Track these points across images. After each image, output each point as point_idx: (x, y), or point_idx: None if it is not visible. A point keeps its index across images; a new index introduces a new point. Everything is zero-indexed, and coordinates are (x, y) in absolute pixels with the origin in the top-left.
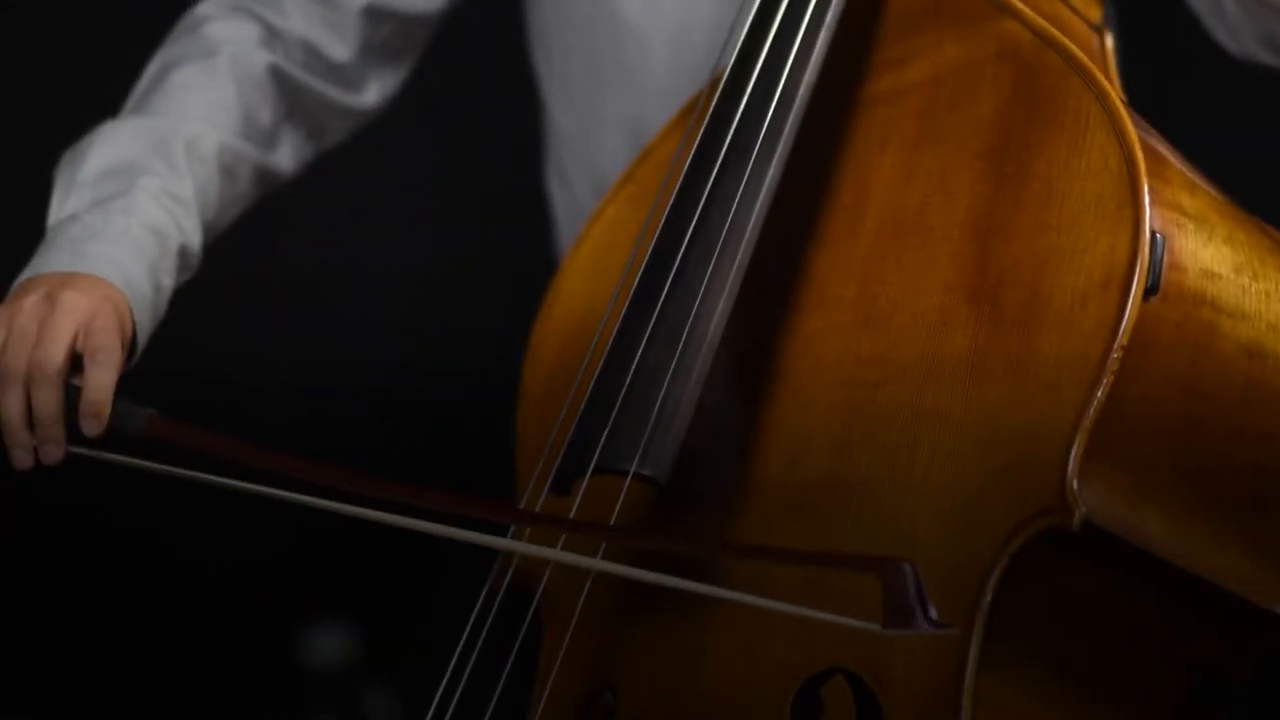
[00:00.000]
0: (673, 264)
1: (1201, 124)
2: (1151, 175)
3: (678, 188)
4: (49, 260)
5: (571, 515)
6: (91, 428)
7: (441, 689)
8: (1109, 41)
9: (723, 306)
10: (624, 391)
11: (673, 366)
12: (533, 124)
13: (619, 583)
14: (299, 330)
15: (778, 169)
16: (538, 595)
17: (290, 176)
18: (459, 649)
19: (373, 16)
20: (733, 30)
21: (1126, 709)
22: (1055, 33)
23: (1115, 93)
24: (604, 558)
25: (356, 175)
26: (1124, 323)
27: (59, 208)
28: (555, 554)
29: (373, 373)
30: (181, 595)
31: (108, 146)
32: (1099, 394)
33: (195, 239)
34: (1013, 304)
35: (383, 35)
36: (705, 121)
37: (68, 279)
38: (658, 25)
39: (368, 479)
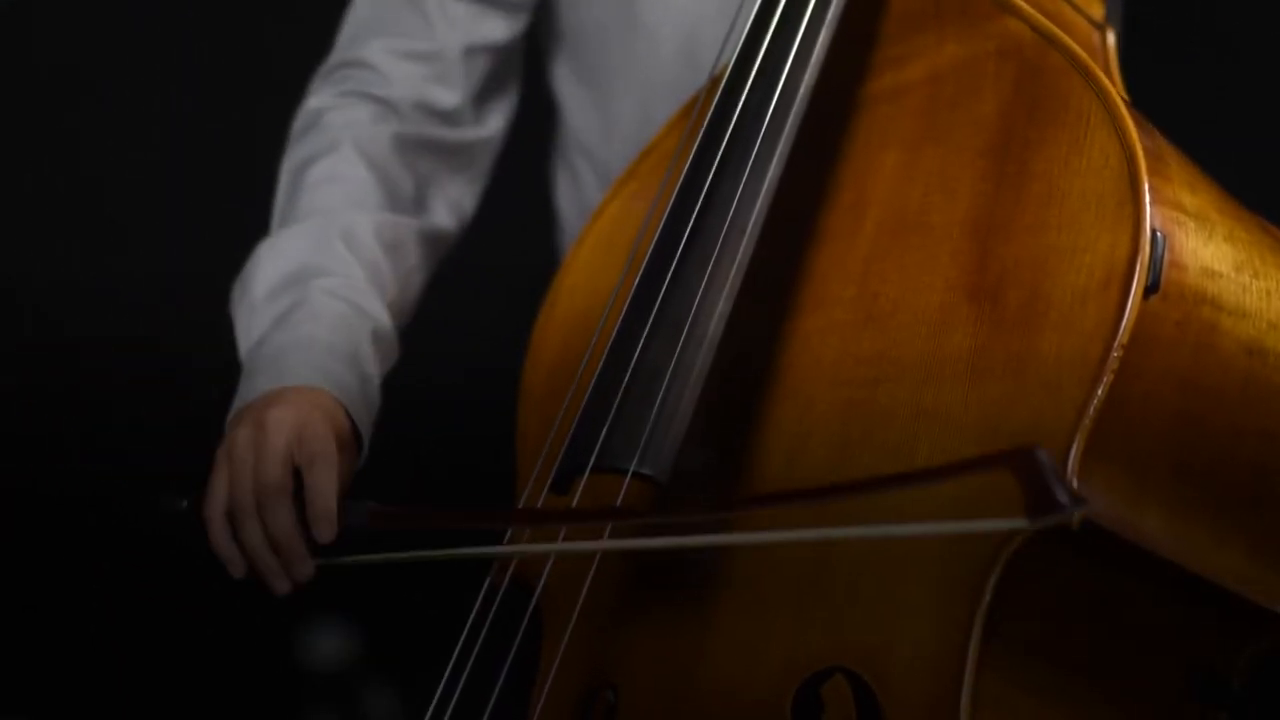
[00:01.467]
0: (672, 262)
1: (1203, 122)
2: (1152, 173)
3: (678, 186)
4: (251, 387)
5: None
6: (324, 533)
7: (441, 686)
8: (1110, 39)
9: (722, 305)
10: (623, 390)
11: (672, 365)
12: (536, 121)
13: (619, 579)
14: None
15: (778, 167)
16: (538, 592)
17: (457, 230)
18: (459, 646)
19: (473, 55)
20: (733, 28)
21: (1126, 708)
22: (1057, 31)
23: (1116, 91)
24: (604, 557)
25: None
26: (1124, 321)
27: (246, 336)
28: (557, 546)
29: None
30: (181, 595)
31: (271, 264)
32: (1099, 393)
33: (384, 319)
34: (1013, 303)
35: (486, 69)
36: (706, 120)
37: (271, 399)
38: (670, 23)
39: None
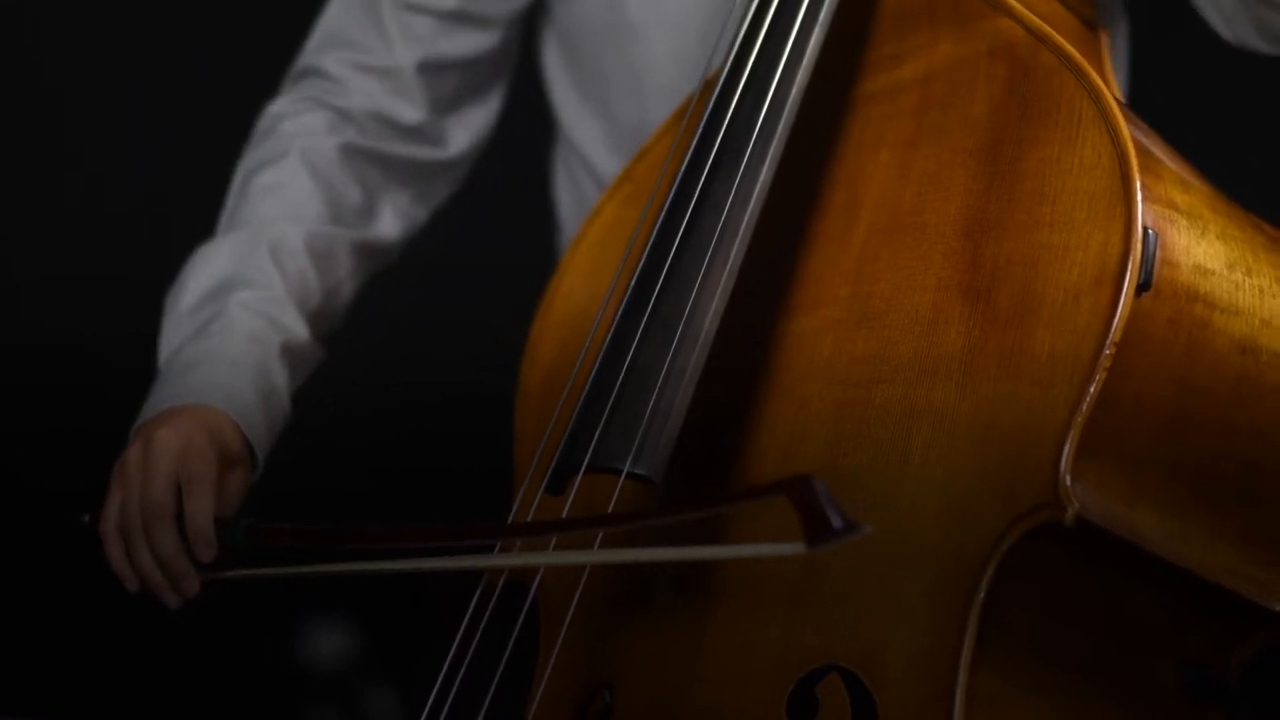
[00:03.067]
0: (666, 263)
1: (1199, 120)
2: (1144, 171)
3: (672, 187)
4: (156, 399)
5: (564, 514)
6: (203, 554)
7: (437, 686)
8: (1103, 38)
9: (716, 305)
10: (618, 390)
11: (666, 365)
12: (536, 122)
13: (615, 579)
14: None
15: (771, 168)
16: (533, 592)
17: (401, 241)
18: (454, 646)
19: (430, 71)
20: (726, 29)
21: (1121, 705)
22: (1049, 30)
23: (1108, 89)
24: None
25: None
26: (1117, 319)
27: (166, 344)
28: (546, 558)
29: (371, 370)
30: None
31: (199, 273)
32: (1092, 390)
33: (299, 331)
34: (1006, 301)
35: (448, 87)
36: (699, 121)
37: (164, 418)
38: (659, 25)
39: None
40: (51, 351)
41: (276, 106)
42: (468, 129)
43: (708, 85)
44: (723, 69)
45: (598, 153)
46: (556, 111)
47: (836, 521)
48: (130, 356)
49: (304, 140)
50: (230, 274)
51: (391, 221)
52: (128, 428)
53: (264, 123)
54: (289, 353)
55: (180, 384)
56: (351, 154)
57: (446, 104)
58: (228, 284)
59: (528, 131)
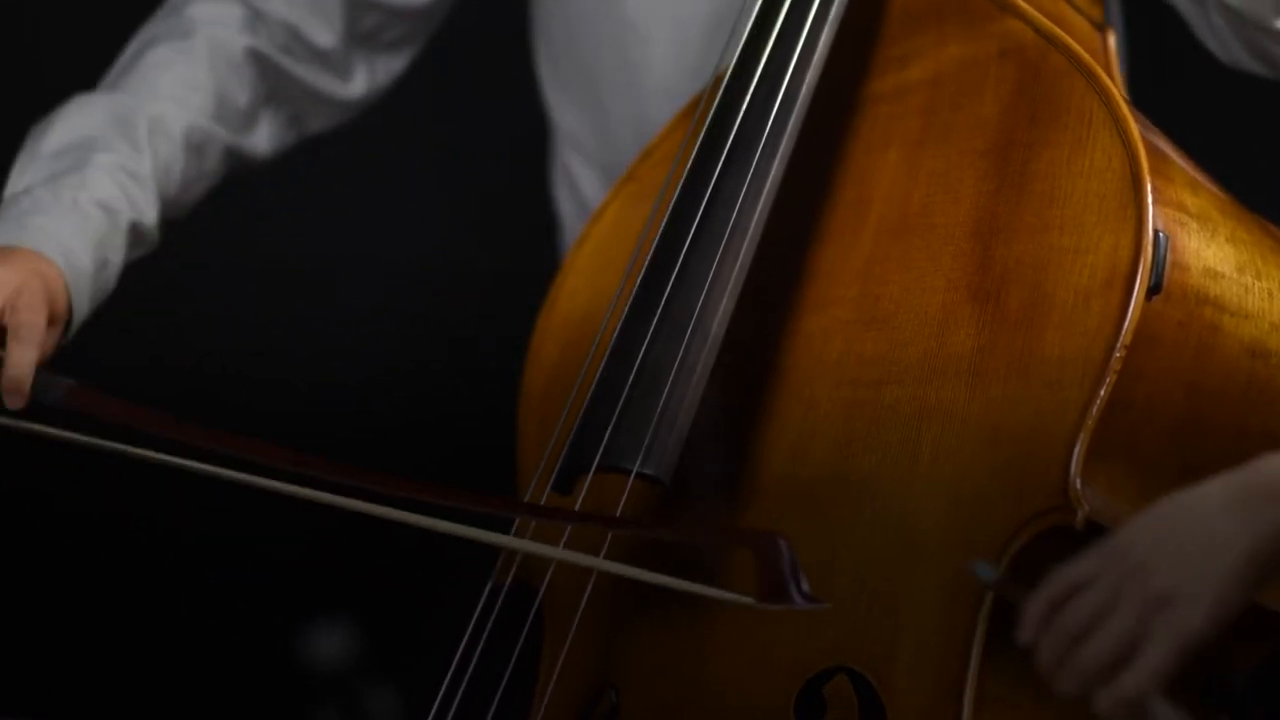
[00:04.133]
0: (676, 263)
1: (1204, 123)
2: (1154, 174)
3: (680, 186)
4: None
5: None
6: (14, 402)
7: (444, 687)
8: (1111, 40)
9: (725, 305)
10: (627, 390)
11: (676, 365)
12: (536, 122)
13: (623, 580)
14: (300, 326)
15: (780, 168)
16: (541, 592)
17: (267, 158)
18: (461, 646)
19: (357, 4)
20: (735, 29)
21: None
22: (1058, 32)
23: (1118, 92)
24: (608, 555)
25: (360, 171)
26: (1127, 322)
27: (16, 180)
28: (557, 552)
29: (374, 370)
30: (181, 594)
31: (71, 121)
32: (1102, 393)
33: (150, 215)
34: (1016, 303)
35: (368, 25)
36: (708, 120)
37: (3, 254)
38: (659, 23)
39: (319, 463)
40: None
41: None
42: (370, 74)
43: (717, 82)
44: (732, 66)
45: (592, 151)
46: (551, 109)
47: (794, 592)
48: (129, 355)
49: (212, 29)
50: (101, 133)
51: (265, 137)
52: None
53: (171, 1)
54: (134, 232)
55: (20, 225)
56: (255, 59)
57: (359, 42)
58: (95, 142)
59: (528, 132)
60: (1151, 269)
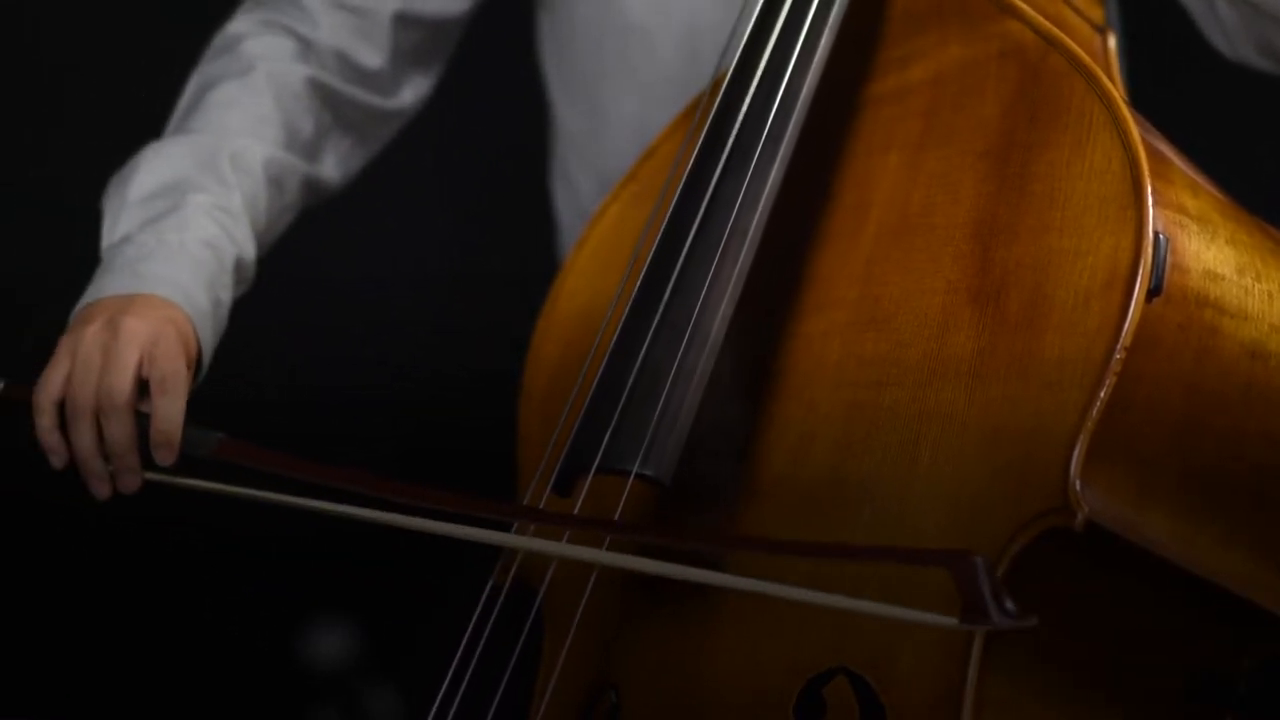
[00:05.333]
0: (675, 264)
1: (1204, 124)
2: (1154, 176)
3: (680, 188)
4: (107, 284)
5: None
6: (164, 457)
7: (444, 687)
8: (1111, 42)
9: (725, 307)
10: (627, 391)
11: (675, 367)
12: (537, 123)
13: (622, 581)
14: (298, 328)
15: (780, 169)
16: (541, 593)
17: (338, 186)
18: (461, 647)
19: (403, 23)
20: (735, 30)
21: (1131, 710)
22: (1058, 33)
23: (1118, 94)
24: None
25: (359, 172)
26: (1127, 324)
27: (110, 230)
28: (560, 548)
29: (374, 371)
30: (182, 595)
31: (154, 167)
32: (1102, 395)
33: (249, 250)
34: (1016, 305)
35: (413, 40)
36: (708, 122)
37: (127, 303)
38: (664, 25)
39: (406, 487)
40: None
41: (236, 26)
42: (415, 87)
43: (716, 84)
44: (732, 68)
45: (597, 153)
46: (553, 108)
47: (996, 611)
48: None
49: (270, 63)
50: (187, 174)
51: (333, 164)
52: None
53: (221, 40)
54: (238, 269)
55: (135, 273)
56: (315, 88)
57: (405, 58)
58: (185, 183)
59: (528, 132)
60: (1151, 271)
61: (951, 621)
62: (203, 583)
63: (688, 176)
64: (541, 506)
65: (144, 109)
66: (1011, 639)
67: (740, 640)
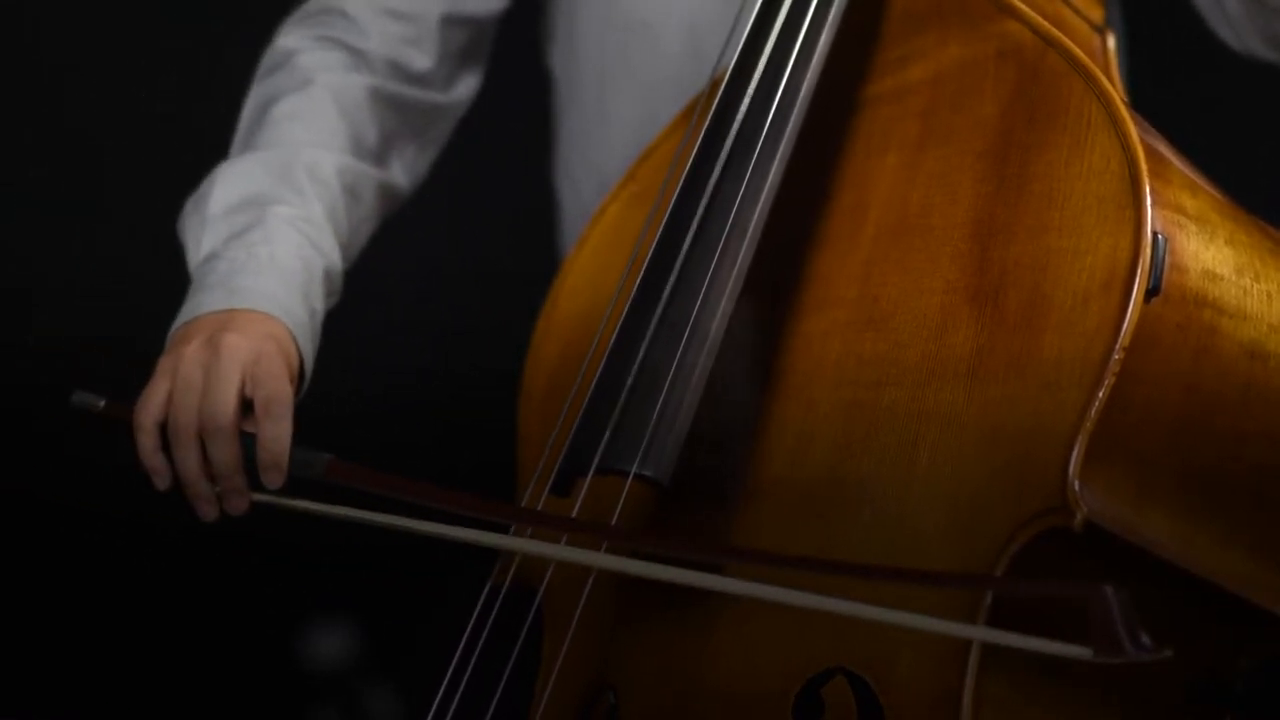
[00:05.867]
0: (674, 264)
1: (1204, 124)
2: (1153, 176)
3: (679, 188)
4: (202, 301)
5: (573, 516)
6: (272, 480)
7: (443, 688)
8: (1110, 42)
9: (724, 307)
10: (625, 392)
11: (674, 367)
12: (539, 123)
13: (621, 582)
14: None
15: (779, 169)
16: (540, 594)
17: (408, 191)
18: (460, 648)
19: (450, 24)
20: (734, 30)
21: (1128, 710)
22: (1057, 33)
23: (1117, 94)
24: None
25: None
26: (1125, 324)
27: (196, 250)
28: (559, 551)
29: (374, 371)
30: (182, 595)
31: (230, 183)
32: (1100, 395)
33: (336, 260)
34: (1014, 305)
35: (459, 40)
36: (707, 121)
37: (226, 319)
38: (670, 24)
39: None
40: (53, 354)
41: (287, 42)
42: (466, 82)
43: (715, 84)
44: (731, 68)
45: (600, 151)
46: (559, 108)
47: (1129, 649)
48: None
49: (328, 75)
50: (265, 188)
51: (400, 169)
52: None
53: (274, 56)
54: (328, 279)
55: (228, 289)
56: (375, 95)
57: (452, 59)
58: (264, 196)
59: (529, 131)
60: (1150, 271)
61: (1085, 652)
62: (203, 582)
63: (686, 176)
64: (540, 507)
65: (144, 109)
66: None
67: (738, 641)
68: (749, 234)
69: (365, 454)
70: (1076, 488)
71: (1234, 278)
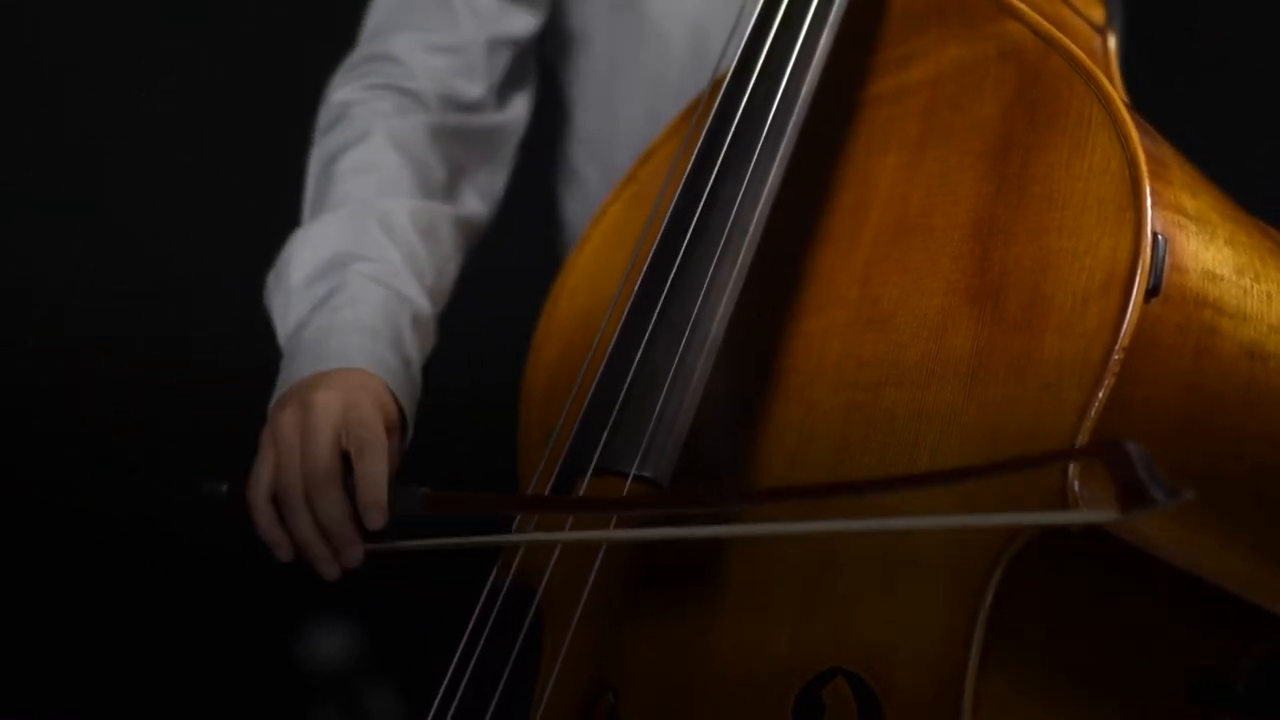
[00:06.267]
0: (674, 264)
1: (1204, 124)
2: (1153, 177)
3: (679, 188)
4: (293, 370)
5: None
6: (374, 520)
7: (443, 688)
8: (1111, 43)
9: (724, 307)
10: (625, 392)
11: (674, 367)
12: (539, 122)
13: (622, 580)
14: None
15: (780, 169)
16: (540, 593)
17: (489, 217)
18: (461, 647)
19: (495, 48)
20: (735, 30)
21: (1128, 709)
22: (1058, 34)
23: (1117, 94)
24: (607, 556)
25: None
26: (1125, 324)
27: (284, 323)
28: (561, 535)
29: None
30: (182, 595)
31: (307, 251)
32: (1100, 395)
33: (423, 303)
34: (1014, 305)
35: (505, 62)
36: (708, 122)
37: (315, 381)
38: (678, 24)
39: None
40: (54, 353)
41: (341, 95)
42: (520, 103)
43: (715, 85)
44: (732, 69)
45: (603, 151)
46: (562, 107)
47: (1157, 495)
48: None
49: (385, 121)
50: (341, 249)
51: (475, 198)
52: (134, 428)
53: (330, 112)
54: (418, 324)
55: (317, 354)
56: (433, 132)
57: (503, 82)
58: (342, 258)
59: (530, 131)
60: (1150, 271)
61: (1112, 515)
62: (203, 582)
63: (687, 177)
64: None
65: (144, 109)
66: (1011, 638)
67: (740, 641)
68: (749, 234)
69: None
70: (1076, 489)
71: (1234, 278)
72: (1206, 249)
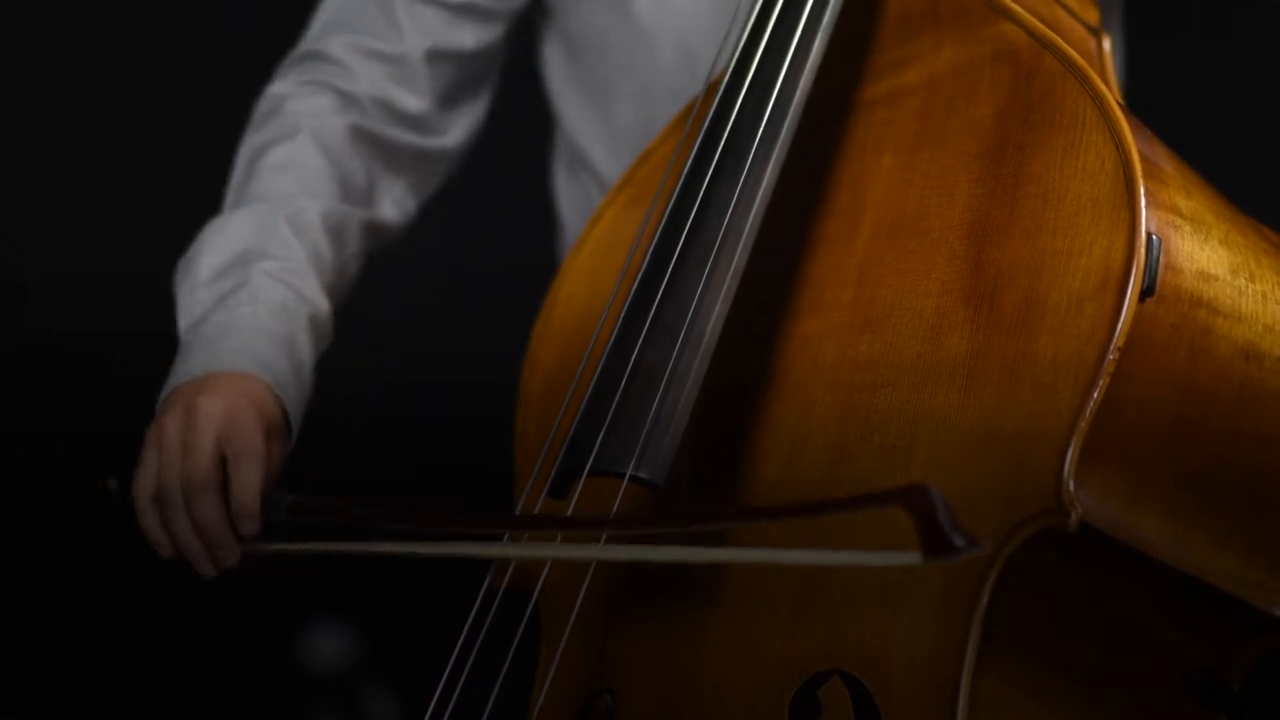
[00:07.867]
0: (669, 267)
1: (1201, 124)
2: (1147, 177)
3: (675, 192)
4: (185, 367)
5: (568, 515)
6: (247, 528)
7: (440, 689)
8: (1106, 44)
9: (719, 309)
10: (620, 394)
11: (669, 369)
12: (537, 123)
13: (617, 583)
14: None
15: (774, 172)
16: (535, 595)
17: (400, 228)
18: (457, 649)
19: (436, 60)
20: (729, 34)
21: (1124, 709)
22: (1052, 35)
23: (1111, 95)
24: (603, 560)
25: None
26: (1120, 324)
27: (186, 315)
28: (554, 550)
29: (373, 374)
30: (182, 595)
31: (216, 244)
32: (1095, 395)
33: (322, 304)
34: (1009, 306)
35: (448, 76)
36: (702, 125)
37: (202, 385)
38: (669, 29)
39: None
40: (51, 351)
41: (278, 88)
42: (464, 122)
43: (711, 89)
44: (726, 72)
45: (599, 154)
46: (557, 113)
47: (958, 540)
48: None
49: (314, 120)
50: (250, 245)
51: (390, 207)
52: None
53: (266, 104)
54: (314, 326)
55: (210, 351)
56: (359, 136)
57: (445, 96)
58: (248, 254)
59: (528, 132)
60: (1145, 271)
61: (915, 558)
62: (203, 583)
63: (682, 180)
64: (537, 509)
65: (144, 111)
66: (1007, 638)
67: (736, 643)
68: (744, 237)
69: (364, 454)
70: (1071, 489)
71: (1229, 278)
72: (1201, 249)
